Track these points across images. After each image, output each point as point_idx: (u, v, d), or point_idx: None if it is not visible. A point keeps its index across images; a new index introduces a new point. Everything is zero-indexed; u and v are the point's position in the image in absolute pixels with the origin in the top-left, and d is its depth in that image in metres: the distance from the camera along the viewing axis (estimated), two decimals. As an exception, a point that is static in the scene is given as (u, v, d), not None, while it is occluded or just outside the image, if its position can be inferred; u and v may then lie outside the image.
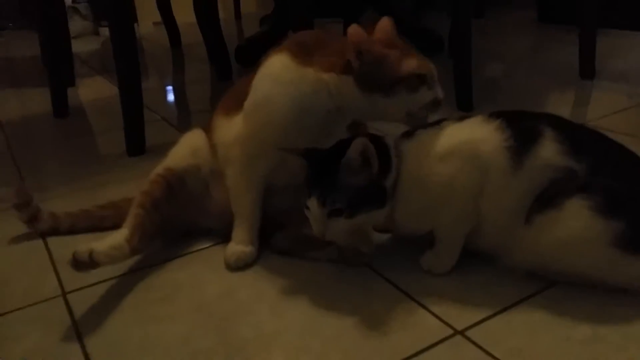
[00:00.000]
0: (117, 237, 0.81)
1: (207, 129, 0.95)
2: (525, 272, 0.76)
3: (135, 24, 3.00)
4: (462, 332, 0.70)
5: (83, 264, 0.75)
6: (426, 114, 0.78)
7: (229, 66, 2.00)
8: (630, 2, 2.31)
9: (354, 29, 0.73)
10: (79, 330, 0.75)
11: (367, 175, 0.73)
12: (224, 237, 0.90)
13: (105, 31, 2.97)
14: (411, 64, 0.75)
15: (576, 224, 0.69)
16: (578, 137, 0.74)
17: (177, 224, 0.93)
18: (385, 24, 0.79)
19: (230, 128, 0.87)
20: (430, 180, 0.75)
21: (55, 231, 0.98)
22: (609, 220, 0.68)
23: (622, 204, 0.70)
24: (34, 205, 0.97)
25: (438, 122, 0.80)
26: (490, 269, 0.79)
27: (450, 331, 0.70)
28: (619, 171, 0.73)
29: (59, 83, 1.67)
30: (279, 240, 0.89)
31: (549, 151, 0.71)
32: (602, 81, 1.71)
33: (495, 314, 0.73)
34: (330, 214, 0.73)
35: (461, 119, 0.79)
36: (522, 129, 0.74)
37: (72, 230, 0.98)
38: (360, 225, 0.76)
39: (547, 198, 0.71)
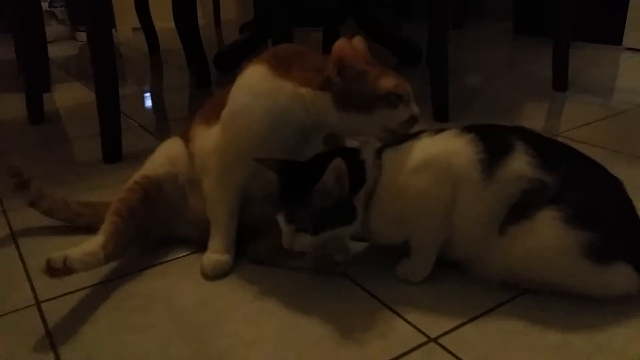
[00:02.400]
0: (92, 244, 0.80)
1: (186, 138, 0.95)
2: (498, 281, 0.78)
3: (114, 30, 2.99)
4: (435, 340, 0.71)
5: (57, 270, 0.75)
6: (405, 130, 0.79)
7: (208, 73, 2.00)
8: (603, 16, 2.37)
9: (342, 43, 0.74)
10: (53, 340, 0.74)
11: (338, 194, 0.75)
12: (201, 245, 0.90)
13: (82, 36, 2.94)
14: (390, 82, 0.77)
15: (547, 234, 0.71)
16: (549, 150, 0.76)
17: (154, 231, 0.93)
18: (359, 42, 0.81)
19: (209, 137, 0.87)
20: (405, 192, 0.77)
21: (35, 205, 0.98)
22: (579, 231, 0.70)
23: (591, 215, 0.72)
24: (27, 178, 0.99)
25: (416, 134, 0.81)
26: (464, 278, 0.81)
27: (424, 338, 0.71)
28: (589, 183, 0.75)
29: (34, 88, 1.65)
30: (256, 249, 0.89)
31: (520, 164, 0.73)
32: (575, 93, 1.75)
33: (468, 322, 0.74)
34: (297, 230, 0.75)
35: (437, 132, 0.81)
36: (494, 142, 0.76)
37: (49, 214, 0.99)
38: (329, 239, 0.78)
39: (518, 209, 0.73)
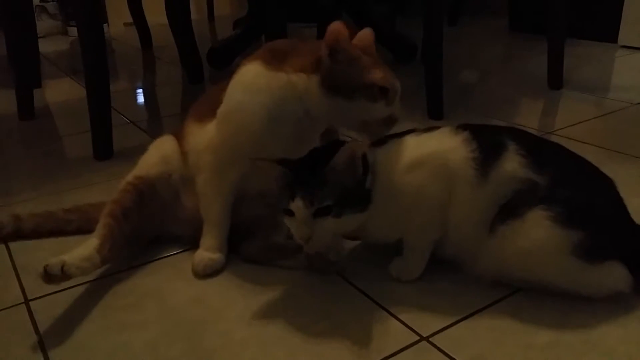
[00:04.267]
0: (88, 248, 0.80)
1: (179, 135, 0.95)
2: (490, 279, 0.78)
3: (106, 25, 2.97)
4: (427, 339, 0.71)
5: (55, 277, 0.74)
6: (381, 130, 0.78)
7: (201, 69, 1.99)
8: (598, 13, 2.37)
9: (337, 25, 0.73)
10: (42, 339, 0.74)
11: (353, 177, 0.73)
12: (193, 243, 0.89)
13: (74, 31, 2.92)
14: (377, 74, 0.76)
15: (537, 234, 0.71)
16: (540, 150, 0.76)
17: (147, 231, 0.92)
18: (366, 34, 0.80)
19: (202, 135, 0.87)
20: (400, 190, 0.76)
21: (19, 233, 0.96)
22: (569, 230, 0.70)
23: (581, 214, 0.72)
24: None
25: (407, 132, 0.81)
26: (456, 277, 0.81)
27: (416, 337, 0.71)
28: (579, 183, 0.75)
29: (24, 84, 1.63)
30: (248, 248, 0.89)
31: (512, 164, 0.73)
32: (570, 91, 1.75)
33: (460, 321, 0.74)
34: (317, 214, 0.72)
35: (429, 129, 0.80)
36: (487, 142, 0.76)
37: (37, 233, 0.96)
38: (344, 229, 0.76)
39: (509, 209, 0.73)
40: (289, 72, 0.77)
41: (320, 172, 0.72)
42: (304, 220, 0.72)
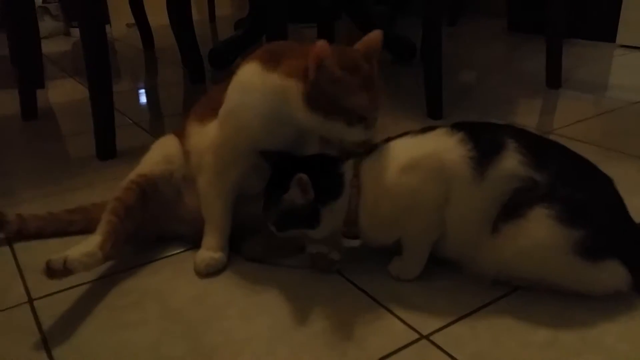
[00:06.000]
0: (90, 244, 0.80)
1: (181, 135, 0.95)
2: (490, 278, 0.78)
3: (108, 25, 2.97)
4: (427, 337, 0.72)
5: (57, 272, 0.75)
6: (355, 149, 0.79)
7: (202, 69, 2.00)
8: (597, 13, 2.38)
9: (321, 44, 0.71)
10: (45, 338, 0.74)
11: (302, 202, 0.77)
12: (195, 243, 0.90)
13: (76, 32, 2.93)
14: (358, 101, 0.73)
15: (538, 232, 0.72)
16: (539, 148, 0.76)
17: (149, 229, 0.93)
18: (373, 37, 0.78)
19: (204, 135, 0.87)
20: (396, 192, 0.77)
21: (22, 234, 0.97)
22: (570, 228, 0.71)
23: (582, 212, 0.72)
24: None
25: (402, 135, 0.81)
26: (456, 276, 0.82)
27: (416, 336, 0.72)
28: (579, 181, 0.75)
29: (27, 84, 1.64)
30: (250, 247, 0.89)
31: (511, 162, 0.73)
32: (569, 90, 1.76)
33: (459, 319, 0.75)
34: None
35: (423, 131, 0.81)
36: (485, 141, 0.76)
37: (40, 234, 0.97)
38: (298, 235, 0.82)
39: (510, 208, 0.73)
40: (281, 76, 0.76)
41: (277, 193, 0.78)
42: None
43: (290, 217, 0.78)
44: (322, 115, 0.74)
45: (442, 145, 0.77)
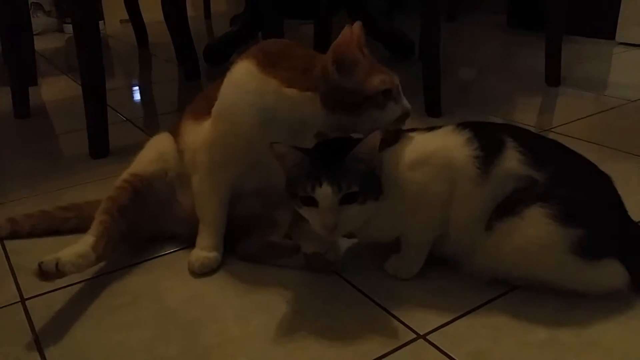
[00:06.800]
0: (83, 245, 0.79)
1: (175, 133, 0.94)
2: (487, 277, 0.78)
3: (102, 22, 2.96)
4: (424, 336, 0.71)
5: (50, 274, 0.74)
6: (397, 126, 0.78)
7: (197, 66, 1.98)
8: (596, 10, 2.37)
9: (351, 32, 0.72)
10: (38, 338, 0.73)
11: (371, 166, 0.73)
12: (189, 242, 0.89)
13: (69, 28, 2.91)
14: (375, 81, 0.74)
15: (535, 231, 0.71)
16: (539, 148, 0.76)
17: (143, 228, 0.92)
18: (357, 28, 0.77)
19: (199, 133, 0.87)
20: (403, 188, 0.76)
21: (16, 235, 0.96)
22: (567, 228, 0.70)
23: (579, 212, 0.72)
24: None
25: (408, 131, 0.81)
26: (453, 274, 0.81)
27: (413, 335, 0.71)
28: (577, 180, 0.75)
29: (20, 82, 1.63)
30: (245, 247, 0.88)
31: (512, 162, 0.73)
32: (568, 88, 1.75)
33: (456, 318, 0.74)
34: (343, 201, 0.70)
35: (430, 129, 0.80)
36: (487, 140, 0.75)
37: (33, 233, 0.96)
38: (364, 217, 0.74)
39: (507, 206, 0.73)
40: (282, 84, 0.76)
41: (344, 159, 0.70)
42: (330, 208, 0.69)
43: (368, 184, 0.71)
44: (348, 114, 0.74)
45: (450, 143, 0.76)
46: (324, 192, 0.69)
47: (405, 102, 0.78)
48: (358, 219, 0.73)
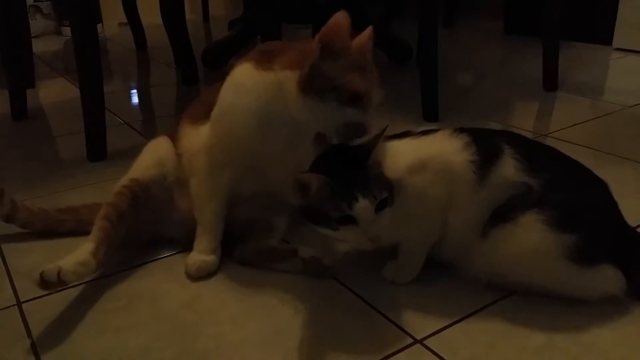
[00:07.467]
0: (83, 252, 0.79)
1: (173, 137, 0.94)
2: (484, 282, 0.78)
3: (100, 25, 2.95)
4: (421, 341, 0.71)
5: (52, 284, 0.73)
6: (346, 136, 0.72)
7: (195, 70, 1.99)
8: (593, 16, 2.38)
9: (340, 17, 0.70)
10: (34, 341, 0.73)
11: (381, 169, 0.72)
12: (186, 245, 0.89)
13: (68, 31, 2.91)
14: (350, 78, 0.71)
15: (530, 237, 0.71)
16: (534, 154, 0.76)
17: (141, 233, 0.92)
18: (366, 33, 0.76)
19: (197, 137, 0.87)
20: (401, 193, 0.76)
21: (10, 220, 0.95)
22: (562, 233, 0.71)
23: (574, 218, 0.72)
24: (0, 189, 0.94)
25: (402, 135, 0.81)
26: (450, 280, 0.81)
27: (410, 340, 0.71)
28: (573, 186, 0.75)
29: (17, 84, 1.63)
30: (243, 251, 0.88)
31: (508, 168, 0.73)
32: (565, 93, 1.76)
33: (454, 323, 0.74)
34: (378, 208, 0.69)
35: (424, 133, 0.80)
36: (484, 146, 0.75)
37: (27, 226, 0.96)
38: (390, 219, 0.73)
39: (502, 212, 0.73)
40: (277, 71, 0.75)
41: (363, 170, 0.69)
42: (372, 219, 0.68)
43: (387, 188, 0.70)
44: (315, 97, 0.71)
45: (449, 148, 0.76)
46: (363, 206, 0.67)
47: (369, 117, 0.73)
48: (388, 221, 0.72)
